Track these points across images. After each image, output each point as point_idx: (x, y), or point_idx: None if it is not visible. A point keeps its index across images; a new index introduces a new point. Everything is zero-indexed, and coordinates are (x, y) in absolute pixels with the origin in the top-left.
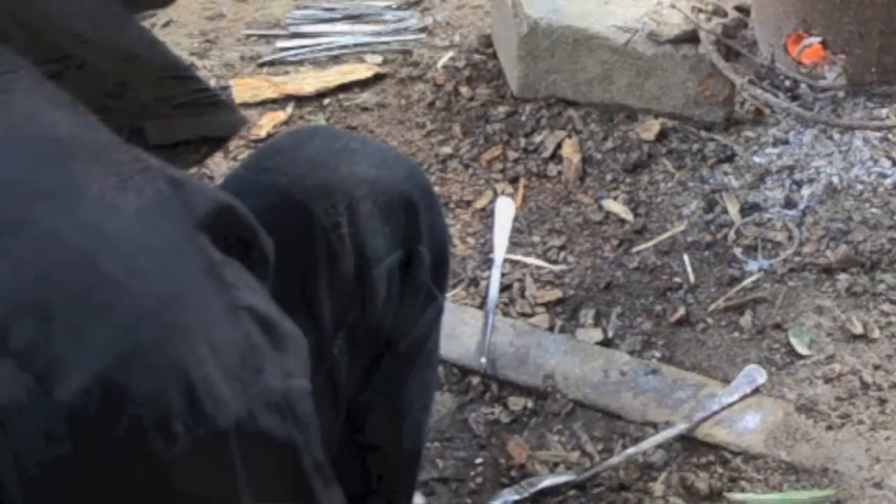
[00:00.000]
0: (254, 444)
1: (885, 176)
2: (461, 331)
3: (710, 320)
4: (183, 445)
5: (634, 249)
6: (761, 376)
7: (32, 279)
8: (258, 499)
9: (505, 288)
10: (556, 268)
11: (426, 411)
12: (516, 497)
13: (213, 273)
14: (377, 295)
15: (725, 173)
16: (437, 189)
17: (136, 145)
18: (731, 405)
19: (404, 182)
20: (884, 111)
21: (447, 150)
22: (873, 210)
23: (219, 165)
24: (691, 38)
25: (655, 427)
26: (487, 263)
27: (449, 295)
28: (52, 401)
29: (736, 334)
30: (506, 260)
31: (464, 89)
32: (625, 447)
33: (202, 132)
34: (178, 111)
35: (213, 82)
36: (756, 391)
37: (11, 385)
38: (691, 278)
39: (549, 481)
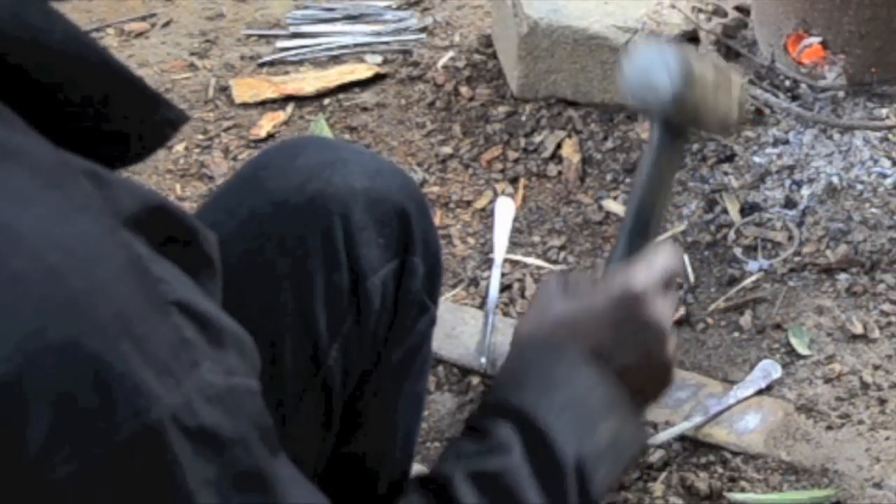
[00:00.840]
0: (199, 440)
1: (885, 176)
2: (461, 331)
3: (710, 320)
4: (110, 444)
5: None
6: (776, 371)
7: None
8: (218, 495)
9: (505, 288)
10: (557, 268)
11: (416, 422)
12: None
13: (137, 267)
14: (371, 306)
15: (725, 173)
16: (436, 189)
17: (70, 147)
18: (746, 399)
19: (398, 193)
20: (884, 111)
21: (447, 150)
22: (873, 210)
23: (219, 165)
24: (691, 38)
25: (655, 427)
26: (487, 263)
27: (449, 295)
28: None
29: (736, 334)
30: (506, 260)
31: (464, 89)
32: None
33: (142, 131)
34: (114, 110)
35: (213, 82)
36: (770, 387)
37: None
38: (691, 278)
39: None
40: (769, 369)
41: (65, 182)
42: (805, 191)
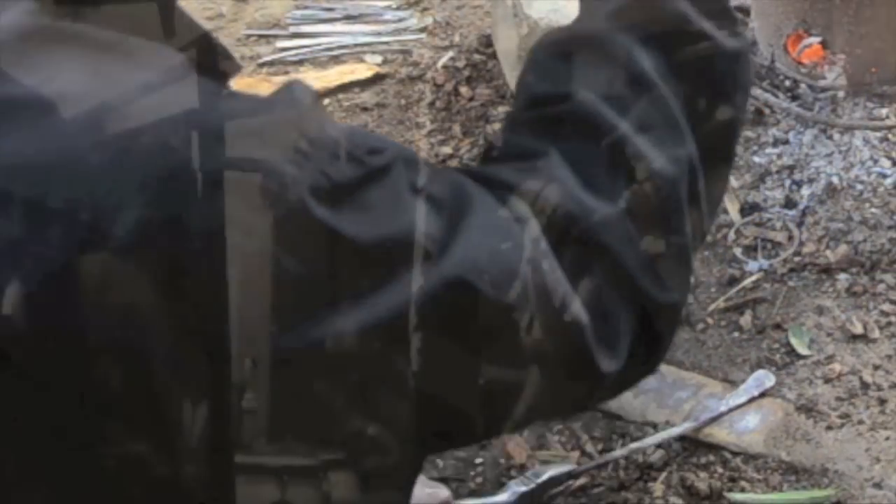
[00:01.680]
0: (341, 195)
1: (885, 176)
2: None
3: (710, 320)
4: (262, 230)
5: None
6: (769, 380)
7: (40, 148)
8: (375, 236)
9: None
10: None
11: None
12: (524, 488)
13: (220, 90)
14: None
15: None
16: None
17: None
18: (738, 407)
19: None
20: (884, 111)
21: (447, 150)
22: (873, 210)
23: None
24: None
25: (655, 427)
26: None
27: None
28: (111, 241)
29: (736, 334)
30: None
31: (464, 89)
32: (624, 447)
33: (221, 61)
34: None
35: None
36: (763, 395)
37: (64, 240)
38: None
39: (553, 471)
40: (763, 379)
41: (124, 51)
42: (805, 191)
